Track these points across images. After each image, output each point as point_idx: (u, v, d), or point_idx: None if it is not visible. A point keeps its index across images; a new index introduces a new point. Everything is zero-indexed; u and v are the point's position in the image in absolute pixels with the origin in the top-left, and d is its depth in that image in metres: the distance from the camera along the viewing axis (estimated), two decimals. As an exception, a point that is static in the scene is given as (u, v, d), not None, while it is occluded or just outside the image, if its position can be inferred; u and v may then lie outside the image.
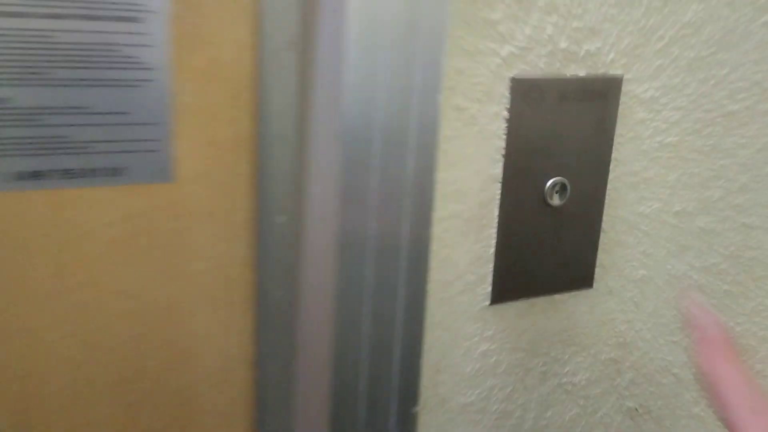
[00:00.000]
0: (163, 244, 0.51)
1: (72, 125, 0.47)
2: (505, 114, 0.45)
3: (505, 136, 0.46)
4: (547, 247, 0.50)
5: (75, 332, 0.50)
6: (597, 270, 0.53)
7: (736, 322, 0.61)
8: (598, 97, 0.48)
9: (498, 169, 0.46)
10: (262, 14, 0.48)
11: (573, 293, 0.53)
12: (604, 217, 0.51)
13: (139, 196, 0.50)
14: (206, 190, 0.51)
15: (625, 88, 0.49)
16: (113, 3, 0.44)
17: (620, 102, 0.49)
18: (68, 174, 0.47)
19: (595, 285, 0.53)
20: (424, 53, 0.42)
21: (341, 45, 0.40)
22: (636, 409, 0.58)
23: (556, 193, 0.48)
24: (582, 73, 0.47)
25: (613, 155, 0.50)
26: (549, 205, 0.48)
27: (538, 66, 0.45)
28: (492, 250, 0.48)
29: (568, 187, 0.48)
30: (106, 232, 0.49)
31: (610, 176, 0.50)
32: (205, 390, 0.54)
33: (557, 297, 0.52)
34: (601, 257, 0.52)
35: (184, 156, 0.50)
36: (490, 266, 0.49)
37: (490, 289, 0.49)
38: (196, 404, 0.54)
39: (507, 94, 0.45)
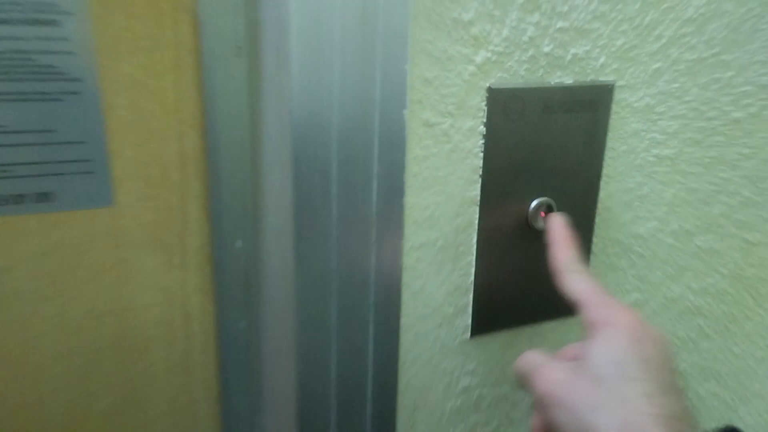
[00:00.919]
0: (105, 276, 0.46)
1: (-8, 146, 0.41)
2: (482, 129, 0.40)
3: (482, 154, 0.40)
4: (532, 273, 0.45)
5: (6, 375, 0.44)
6: (587, 296, 0.48)
7: (734, 343, 0.56)
8: (587, 108, 0.42)
9: (475, 191, 0.41)
10: (205, 14, 0.42)
11: (561, 321, 0.48)
12: (595, 240, 0.46)
13: (74, 223, 0.44)
14: (152, 214, 0.45)
15: (617, 96, 0.43)
16: (21, 3, 0.38)
17: (612, 112, 0.44)
18: (-9, 201, 0.42)
19: (584, 313, 0.48)
20: (384, 60, 0.36)
21: (286, 49, 0.35)
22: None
23: (541, 215, 0.43)
24: (569, 81, 0.42)
25: (604, 171, 0.45)
26: (533, 229, 0.43)
27: (518, 73, 0.40)
28: (471, 279, 0.43)
29: (555, 208, 0.43)
30: (37, 264, 0.43)
31: (601, 194, 0.45)
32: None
33: (545, 325, 0.47)
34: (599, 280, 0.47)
35: (124, 177, 0.44)
36: (470, 296, 0.44)
37: (470, 321, 0.44)
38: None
39: (483, 106, 0.39)
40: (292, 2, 0.33)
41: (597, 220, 0.46)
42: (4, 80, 0.40)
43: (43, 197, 0.43)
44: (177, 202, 0.46)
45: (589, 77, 0.42)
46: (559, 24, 0.40)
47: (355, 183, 0.38)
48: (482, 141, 0.40)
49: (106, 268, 0.45)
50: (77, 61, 0.40)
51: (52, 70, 0.41)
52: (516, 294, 0.45)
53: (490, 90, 0.39)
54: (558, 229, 0.39)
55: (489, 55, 0.38)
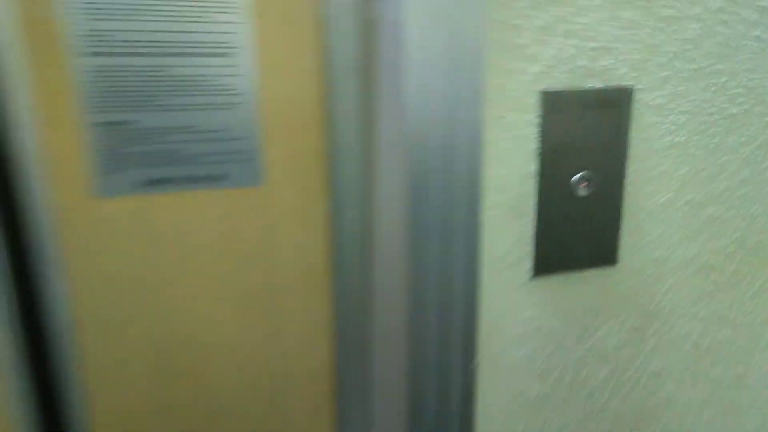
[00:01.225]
0: (255, 236, 0.62)
1: (182, 142, 0.58)
2: (537, 121, 0.55)
3: (537, 140, 0.55)
4: (576, 231, 0.59)
5: (186, 308, 0.61)
6: (620, 251, 0.61)
7: (746, 297, 0.69)
8: (614, 105, 0.57)
9: (533, 167, 0.56)
10: (328, 46, 0.59)
11: (600, 270, 0.61)
12: (625, 206, 0.60)
13: (236, 198, 0.61)
14: (290, 191, 0.62)
15: (636, 96, 0.58)
16: (209, 42, 0.56)
17: (633, 108, 0.58)
18: (180, 181, 0.58)
19: (619, 263, 0.62)
20: (469, 74, 0.52)
21: (402, 69, 0.51)
22: (659, 372, 0.66)
23: (582, 185, 0.57)
24: (599, 85, 0.57)
25: (630, 153, 0.59)
26: (576, 196, 0.58)
27: (562, 80, 0.55)
28: (531, 233, 0.58)
29: (592, 181, 0.58)
30: (212, 226, 0.60)
31: (628, 171, 0.60)
32: (293, 358, 0.64)
33: (587, 273, 0.61)
34: (624, 239, 0.61)
35: (272, 164, 0.60)
36: (530, 246, 0.58)
37: (531, 265, 0.58)
38: (285, 370, 0.64)
39: (537, 104, 0.55)
40: (408, 38, 0.50)
41: (625, 191, 0.60)
42: (195, 95, 0.57)
43: (219, 178, 0.60)
44: (308, 183, 0.62)
45: (614, 83, 0.57)
46: (591, 45, 0.55)
47: (449, 160, 0.53)
48: (537, 130, 0.55)
49: (258, 230, 0.61)
50: (243, 81, 0.58)
51: (225, 88, 0.58)
52: (565, 246, 0.59)
53: (542, 93, 0.55)
54: None
55: (541, 68, 0.54)
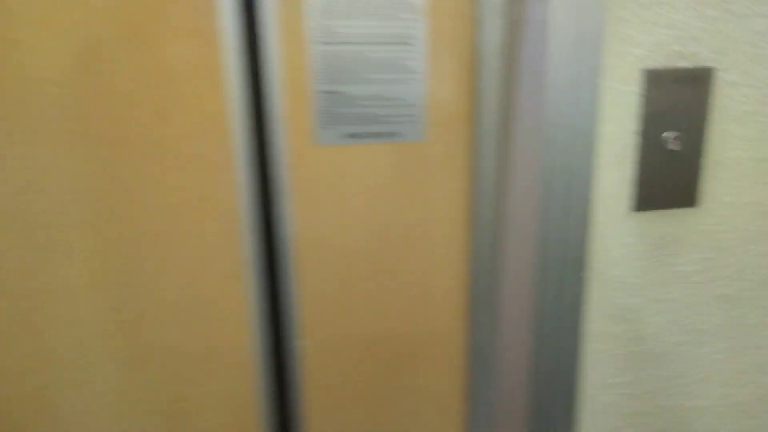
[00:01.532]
0: (417, 180, 0.84)
1: (374, 106, 0.80)
2: (639, 91, 0.74)
3: (639, 105, 0.75)
4: (666, 177, 0.78)
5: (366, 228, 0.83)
6: (699, 195, 0.80)
7: (804, 242, 0.85)
8: (698, 81, 0.76)
9: (635, 125, 0.75)
10: (479, 39, 0.81)
11: (683, 210, 0.80)
12: (705, 159, 0.79)
13: (406, 149, 0.83)
14: (444, 147, 0.83)
15: (716, 74, 0.77)
16: (395, 34, 0.78)
17: (713, 84, 0.77)
18: (371, 135, 0.81)
19: (698, 205, 0.80)
20: (590, 56, 0.72)
21: (543, 55, 0.71)
22: (725, 295, 0.84)
23: (672, 142, 0.76)
24: (689, 66, 0.75)
25: (710, 118, 0.78)
26: (667, 150, 0.77)
27: (659, 61, 0.74)
28: (632, 177, 0.77)
29: (680, 139, 0.76)
30: (387, 171, 0.82)
31: (708, 132, 0.78)
32: (437, 274, 0.86)
33: (673, 211, 0.80)
34: (703, 186, 0.80)
35: (433, 126, 0.82)
36: (631, 187, 0.77)
37: (631, 202, 0.77)
38: (430, 288, 0.86)
39: (640, 79, 0.74)
40: (550, 29, 0.70)
41: (705, 148, 0.78)
42: (387, 73, 0.80)
43: (396, 134, 0.82)
44: (456, 142, 0.83)
45: (699, 64, 0.76)
46: (682, 35, 0.74)
47: (575, 119, 0.73)
48: (639, 98, 0.75)
49: (418, 176, 0.83)
50: (417, 63, 0.80)
51: (406, 68, 0.80)
52: (656, 188, 0.78)
53: (644, 70, 0.74)
54: None
55: (644, 51, 0.73)
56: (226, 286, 0.82)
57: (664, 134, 0.77)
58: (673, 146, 0.77)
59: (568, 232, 0.77)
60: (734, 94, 0.78)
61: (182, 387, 0.84)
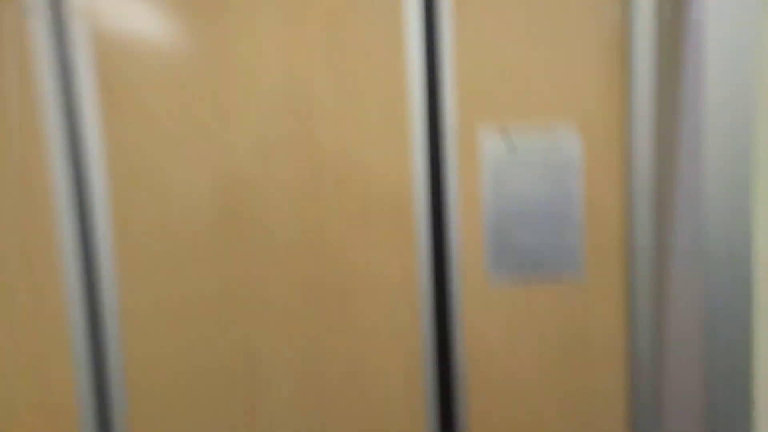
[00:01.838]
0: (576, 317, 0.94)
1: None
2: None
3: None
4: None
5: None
6: None
7: None
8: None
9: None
10: (627, 187, 0.89)
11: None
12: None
13: (562, 286, 0.92)
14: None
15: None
16: (563, 166, 0.88)
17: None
18: (535, 278, 0.90)
19: None
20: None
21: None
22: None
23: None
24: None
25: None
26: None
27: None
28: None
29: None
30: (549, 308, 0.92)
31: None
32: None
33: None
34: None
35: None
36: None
37: None
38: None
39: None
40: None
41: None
42: (557, 180, 0.89)
43: (557, 274, 0.91)
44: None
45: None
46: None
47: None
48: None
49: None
50: (572, 177, 0.89)
51: (567, 190, 0.89)
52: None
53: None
54: None
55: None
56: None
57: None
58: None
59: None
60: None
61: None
